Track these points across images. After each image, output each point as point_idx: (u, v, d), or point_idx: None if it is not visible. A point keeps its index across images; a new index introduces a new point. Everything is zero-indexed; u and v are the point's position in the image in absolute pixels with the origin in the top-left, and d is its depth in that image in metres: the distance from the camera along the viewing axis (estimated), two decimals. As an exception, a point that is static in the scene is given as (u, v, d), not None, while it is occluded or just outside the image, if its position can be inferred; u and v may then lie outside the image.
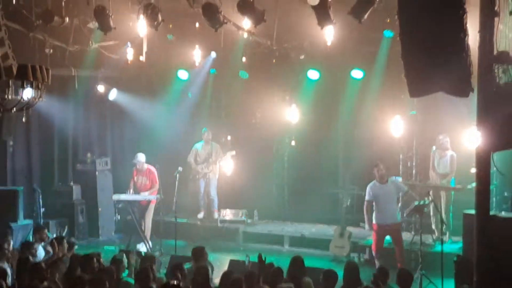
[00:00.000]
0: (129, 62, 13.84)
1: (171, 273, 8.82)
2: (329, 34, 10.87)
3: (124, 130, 17.87)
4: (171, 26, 13.13)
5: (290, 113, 15.48)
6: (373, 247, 12.40)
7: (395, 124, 14.16)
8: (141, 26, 11.67)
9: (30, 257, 9.59)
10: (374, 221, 12.25)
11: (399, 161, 14.47)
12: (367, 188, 12.42)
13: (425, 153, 14.01)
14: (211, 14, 11.08)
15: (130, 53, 13.68)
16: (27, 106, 7.42)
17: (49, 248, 10.72)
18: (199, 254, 9.86)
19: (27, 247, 10.64)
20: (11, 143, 15.46)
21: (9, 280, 8.66)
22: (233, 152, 15.87)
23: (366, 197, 12.44)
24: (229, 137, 16.36)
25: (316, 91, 15.40)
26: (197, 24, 12.66)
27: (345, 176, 15.18)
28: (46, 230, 12.46)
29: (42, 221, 14.42)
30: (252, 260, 9.94)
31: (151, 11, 11.35)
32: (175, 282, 5.82)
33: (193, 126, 16.71)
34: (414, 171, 14.46)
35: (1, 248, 9.94)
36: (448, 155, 13.45)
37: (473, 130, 8.72)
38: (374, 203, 12.25)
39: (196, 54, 14.23)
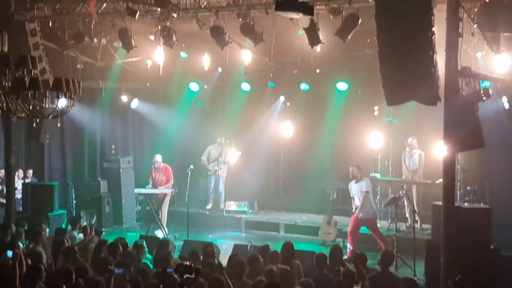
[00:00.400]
0: (148, 66, 13.81)
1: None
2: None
3: (144, 134, 17.88)
4: (184, 45, 13.14)
5: (285, 129, 15.47)
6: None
7: (373, 131, 14.22)
8: (159, 54, 11.75)
9: (65, 241, 9.57)
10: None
11: (378, 160, 14.46)
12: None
13: (399, 153, 14.00)
14: (218, 35, 11.11)
15: (149, 63, 13.72)
16: (62, 113, 7.41)
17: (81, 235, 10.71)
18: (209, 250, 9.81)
19: (61, 232, 10.64)
20: (48, 145, 15.48)
21: (44, 261, 8.66)
22: (239, 153, 15.88)
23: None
24: (231, 140, 16.30)
25: (307, 100, 15.39)
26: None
27: (332, 173, 15.18)
28: (81, 220, 12.51)
29: (74, 211, 14.45)
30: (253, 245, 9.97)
31: (167, 33, 11.37)
32: (188, 263, 5.79)
33: (202, 130, 16.70)
34: (390, 169, 14.47)
35: (40, 235, 9.91)
36: (417, 153, 13.52)
37: (440, 135, 8.69)
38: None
39: (205, 60, 14.08)
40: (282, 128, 15.67)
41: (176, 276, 5.66)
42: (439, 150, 10.30)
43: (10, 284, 6.69)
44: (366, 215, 12.14)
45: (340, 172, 15.05)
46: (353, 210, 12.38)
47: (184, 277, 5.56)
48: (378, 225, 13.66)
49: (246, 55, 12.94)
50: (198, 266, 6.05)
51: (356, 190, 12.31)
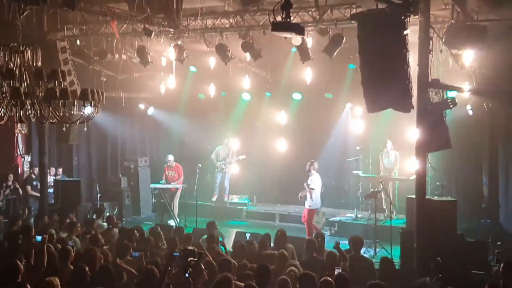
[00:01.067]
0: (162, 93, 13.87)
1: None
2: (308, 75, 10.91)
3: (159, 137, 17.82)
4: (193, 60, 13.13)
5: (280, 133, 15.45)
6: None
7: (356, 134, 14.26)
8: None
9: (93, 231, 9.53)
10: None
11: (360, 159, 14.43)
12: None
13: (378, 154, 14.00)
14: (222, 52, 11.11)
15: (163, 88, 13.75)
16: (88, 119, 7.41)
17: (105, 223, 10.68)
18: (211, 226, 9.83)
19: (89, 222, 10.61)
20: (75, 147, 15.49)
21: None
22: (244, 156, 15.82)
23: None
24: (237, 143, 16.24)
25: (299, 108, 15.38)
26: (213, 61, 12.69)
27: (320, 170, 15.14)
28: (105, 210, 12.50)
29: (98, 203, 14.42)
30: (251, 232, 9.97)
31: (178, 50, 11.37)
32: (192, 248, 5.77)
33: (209, 133, 16.69)
34: (370, 167, 14.42)
35: (76, 226, 9.90)
36: (393, 154, 13.53)
37: (413, 137, 8.70)
38: None
39: (211, 89, 14.15)
40: (278, 132, 15.67)
41: (181, 259, 5.65)
42: (412, 150, 10.28)
43: (40, 264, 6.69)
44: (313, 205, 12.15)
45: (326, 169, 15.05)
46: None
47: (189, 260, 5.54)
48: (359, 215, 13.73)
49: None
50: (201, 251, 6.04)
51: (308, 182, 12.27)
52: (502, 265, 6.37)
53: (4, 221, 11.03)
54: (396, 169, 13.50)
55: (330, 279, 6.06)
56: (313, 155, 15.34)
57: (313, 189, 12.09)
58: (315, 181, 12.18)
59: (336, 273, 6.51)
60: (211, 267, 6.49)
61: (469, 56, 9.66)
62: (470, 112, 12.10)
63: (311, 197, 12.10)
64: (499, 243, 10.16)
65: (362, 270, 7.42)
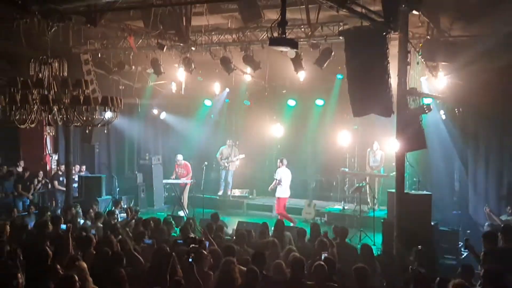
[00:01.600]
0: (173, 91, 13.88)
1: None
2: (301, 75, 10.91)
3: (170, 138, 17.79)
4: (200, 71, 13.14)
5: (276, 130, 15.46)
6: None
7: (343, 136, 14.22)
8: (180, 73, 11.75)
9: (112, 221, 9.53)
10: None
11: (347, 158, 14.45)
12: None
13: (363, 153, 14.00)
14: (226, 64, 11.13)
15: (173, 87, 13.76)
16: (108, 122, 7.43)
17: (124, 214, 10.67)
18: (215, 217, 9.80)
19: (111, 214, 10.61)
20: (97, 147, 15.50)
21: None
22: (243, 155, 15.81)
23: None
24: (237, 142, 16.24)
25: (294, 113, 15.40)
26: (216, 70, 12.70)
27: (312, 167, 15.17)
28: (121, 202, 12.52)
29: (117, 196, 14.44)
30: (251, 221, 9.95)
31: (187, 61, 11.38)
32: (193, 235, 5.80)
33: (214, 136, 16.70)
34: (356, 164, 14.44)
35: (102, 215, 9.91)
36: (379, 154, 13.52)
37: (393, 139, 8.71)
38: None
39: (216, 87, 14.24)
40: (275, 134, 15.67)
41: (184, 245, 5.66)
42: (392, 150, 10.29)
43: (66, 250, 6.70)
44: (279, 194, 12.34)
45: (317, 167, 15.13)
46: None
47: (191, 246, 5.55)
48: (346, 207, 13.71)
49: (246, 78, 13.06)
50: (201, 238, 6.05)
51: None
52: (482, 253, 6.47)
53: (35, 212, 11.05)
54: (381, 167, 13.50)
55: (322, 263, 6.09)
56: (305, 153, 15.42)
57: (277, 179, 12.32)
58: (281, 173, 12.40)
59: (322, 257, 6.53)
60: (216, 254, 6.49)
61: (442, 78, 9.75)
62: (444, 117, 12.12)
63: (280, 188, 12.30)
64: (468, 231, 10.22)
65: (347, 255, 7.46)
